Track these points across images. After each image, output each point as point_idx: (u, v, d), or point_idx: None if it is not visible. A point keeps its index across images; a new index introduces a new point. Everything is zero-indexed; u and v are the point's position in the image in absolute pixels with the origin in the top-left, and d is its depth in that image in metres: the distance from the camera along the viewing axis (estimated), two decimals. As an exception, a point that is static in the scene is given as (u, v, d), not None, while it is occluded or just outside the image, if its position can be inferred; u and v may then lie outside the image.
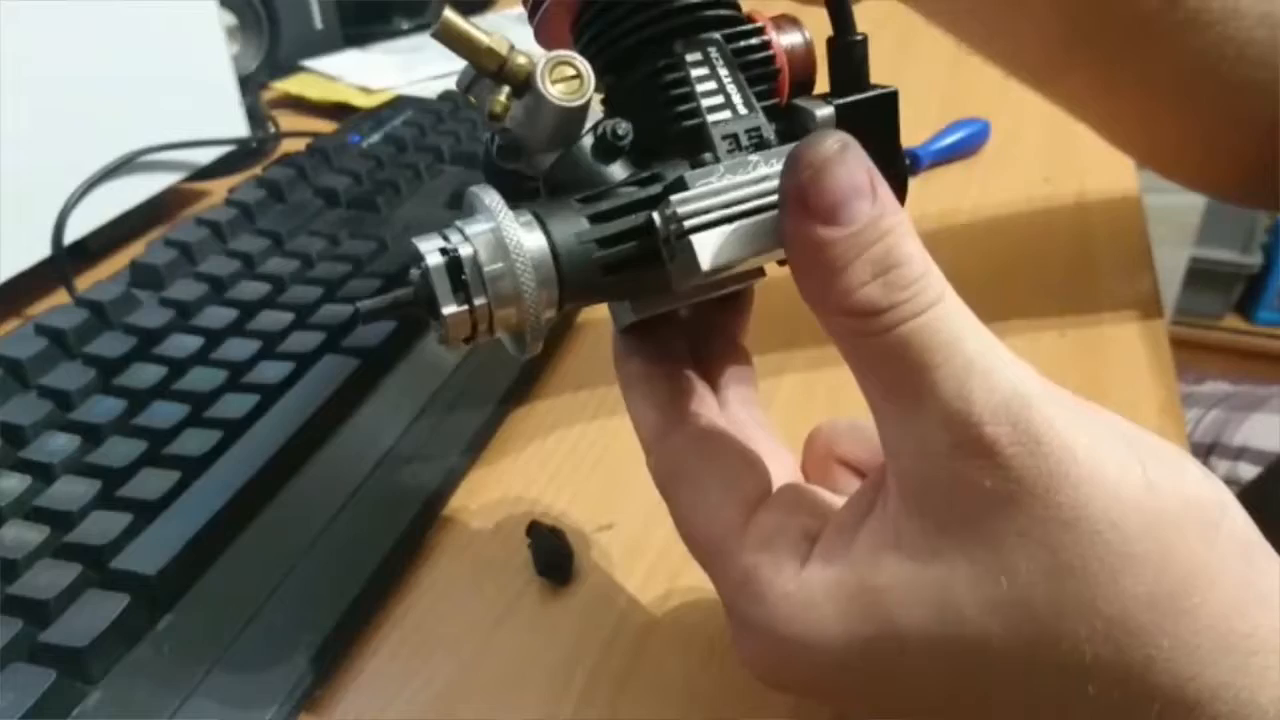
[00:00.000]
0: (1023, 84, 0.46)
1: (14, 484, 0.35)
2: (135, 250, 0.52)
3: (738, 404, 0.29)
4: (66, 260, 0.53)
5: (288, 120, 0.75)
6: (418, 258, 0.23)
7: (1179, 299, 1.87)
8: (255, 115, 0.69)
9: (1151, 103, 0.43)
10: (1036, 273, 0.52)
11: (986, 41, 0.44)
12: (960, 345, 0.21)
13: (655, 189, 0.25)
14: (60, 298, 0.51)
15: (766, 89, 0.27)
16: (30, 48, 0.51)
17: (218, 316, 0.44)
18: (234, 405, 0.38)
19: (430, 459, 0.39)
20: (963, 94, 0.70)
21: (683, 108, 0.26)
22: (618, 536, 0.36)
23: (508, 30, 0.26)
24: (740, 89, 0.26)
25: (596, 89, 0.26)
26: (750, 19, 0.27)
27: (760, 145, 0.26)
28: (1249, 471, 0.70)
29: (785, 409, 0.42)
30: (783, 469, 0.28)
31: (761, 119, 0.26)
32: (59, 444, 0.36)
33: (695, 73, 0.26)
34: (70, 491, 0.34)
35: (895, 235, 0.21)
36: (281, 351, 0.42)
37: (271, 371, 0.40)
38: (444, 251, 0.23)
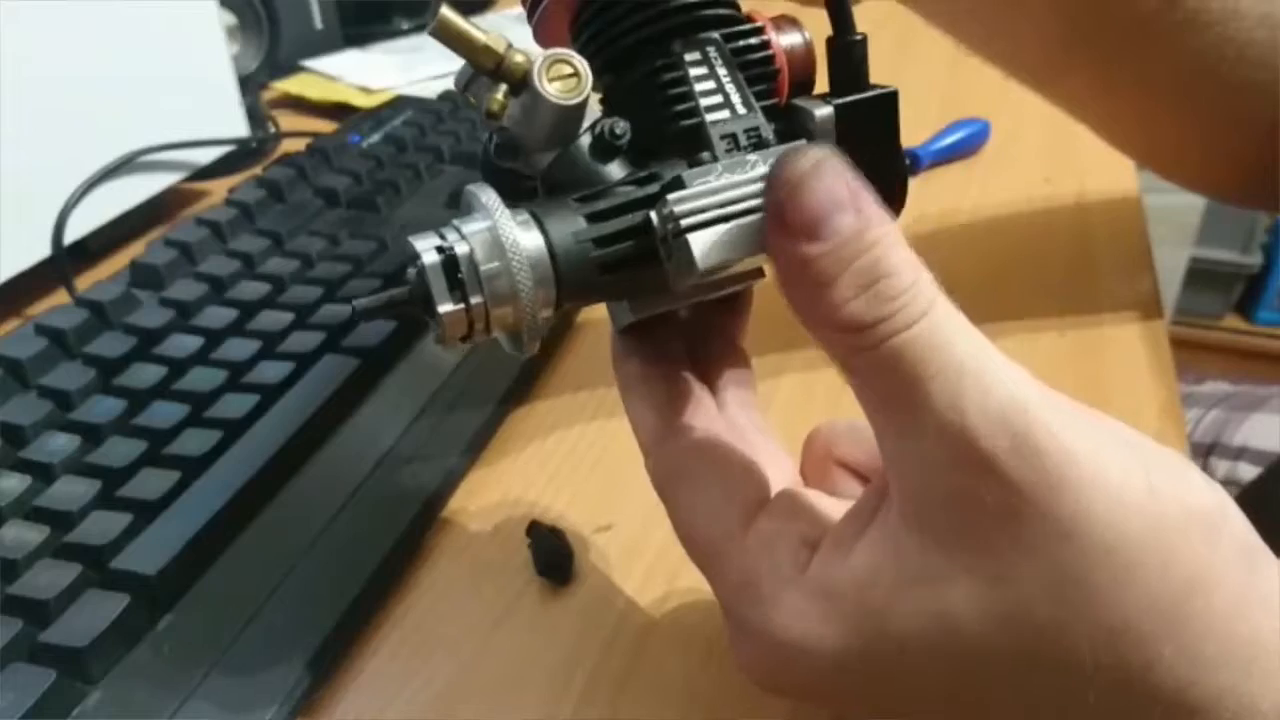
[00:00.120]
0: (1022, 84, 0.46)
1: (14, 484, 0.35)
2: (135, 250, 0.52)
3: (736, 406, 0.29)
4: (66, 260, 0.53)
5: (288, 120, 0.75)
6: (414, 256, 0.23)
7: (1179, 299, 1.87)
8: (255, 115, 0.69)
9: (1151, 103, 0.43)
10: (1036, 273, 0.52)
11: (985, 42, 0.44)
12: (952, 354, 0.21)
13: (653, 188, 0.25)
14: (60, 298, 0.51)
15: (766, 89, 0.27)
16: (30, 48, 0.51)
17: (218, 316, 0.44)
18: (234, 405, 0.38)
19: (430, 459, 0.39)
20: (962, 94, 0.70)
21: (681, 107, 0.26)
22: (617, 537, 0.36)
23: (507, 30, 0.26)
24: (739, 89, 0.26)
25: (595, 88, 0.26)
26: (750, 19, 0.27)
27: (759, 145, 0.26)
28: (1249, 472, 0.70)
29: (784, 411, 0.42)
30: (781, 471, 0.28)
31: (760, 119, 0.26)
32: (59, 444, 0.36)
33: (694, 72, 0.26)
34: (70, 491, 0.34)
35: (881, 246, 0.21)
36: (281, 351, 0.42)
37: (271, 371, 0.40)
38: (440, 250, 0.23)
